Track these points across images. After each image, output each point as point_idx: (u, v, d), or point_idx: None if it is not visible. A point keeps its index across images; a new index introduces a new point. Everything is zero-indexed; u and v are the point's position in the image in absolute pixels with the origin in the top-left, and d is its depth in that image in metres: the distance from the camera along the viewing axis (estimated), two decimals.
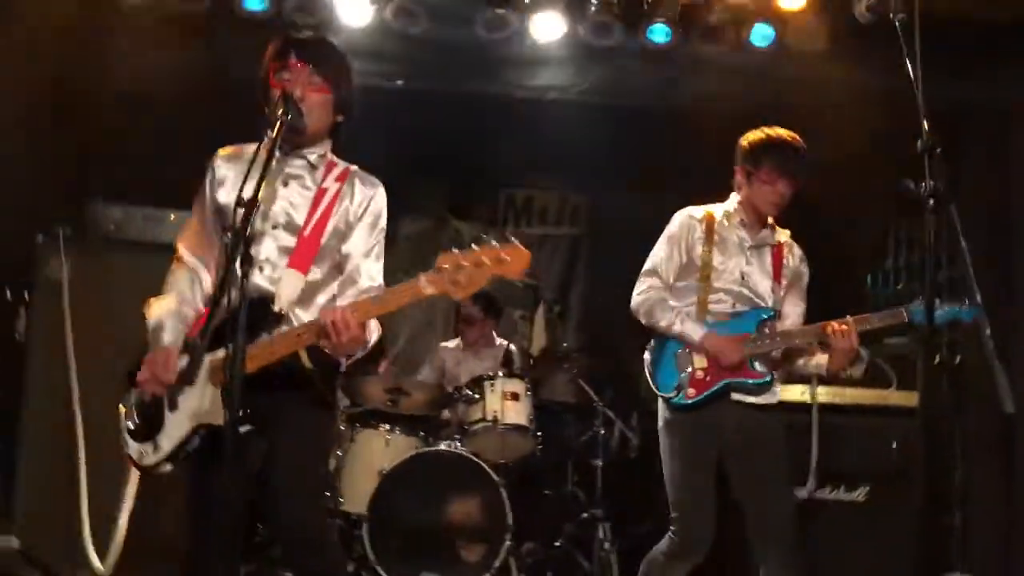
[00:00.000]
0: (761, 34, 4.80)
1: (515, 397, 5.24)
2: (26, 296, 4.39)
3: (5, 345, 4.34)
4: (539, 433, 5.33)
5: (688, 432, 3.75)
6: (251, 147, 2.68)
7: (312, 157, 2.86)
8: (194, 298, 2.82)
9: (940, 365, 4.49)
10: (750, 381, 3.71)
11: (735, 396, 3.74)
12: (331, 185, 2.82)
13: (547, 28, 4.90)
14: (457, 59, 5.16)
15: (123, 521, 4.10)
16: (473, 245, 2.45)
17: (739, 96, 5.01)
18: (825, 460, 4.75)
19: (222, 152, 2.91)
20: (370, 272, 2.85)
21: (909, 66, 2.12)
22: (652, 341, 3.86)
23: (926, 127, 2.12)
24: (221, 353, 2.47)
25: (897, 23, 2.21)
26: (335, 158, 2.94)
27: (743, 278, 3.78)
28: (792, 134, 3.76)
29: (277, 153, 2.58)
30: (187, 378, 2.58)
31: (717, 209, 3.88)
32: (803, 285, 3.91)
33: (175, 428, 2.62)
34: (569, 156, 6.95)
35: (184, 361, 2.62)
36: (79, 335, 4.36)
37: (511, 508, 4.80)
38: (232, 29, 4.72)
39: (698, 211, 3.87)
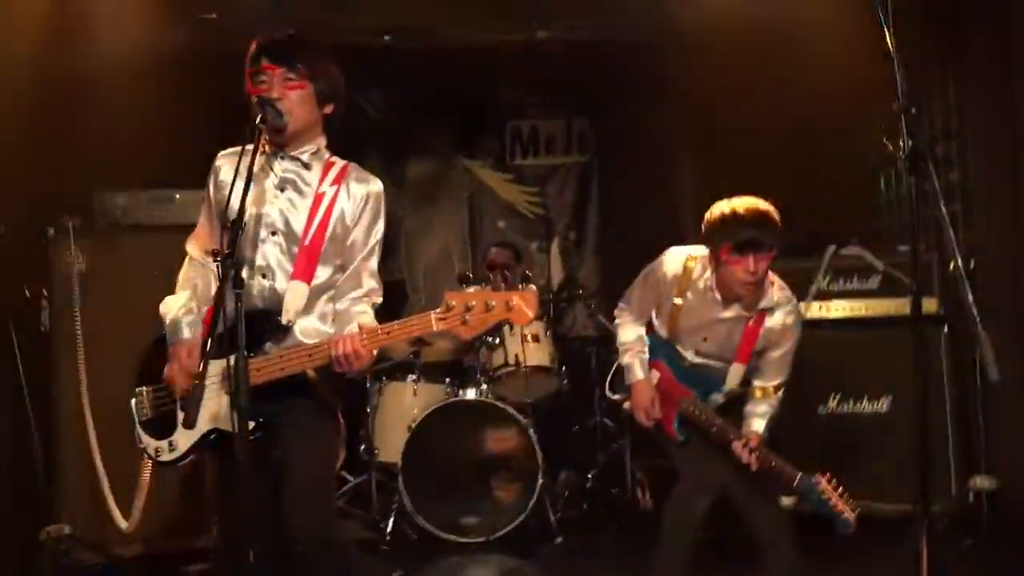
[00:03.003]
0: None
1: (535, 339, 5.30)
2: (44, 291, 4.45)
3: (33, 338, 4.42)
4: (564, 368, 5.41)
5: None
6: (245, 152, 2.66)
7: (305, 156, 2.84)
8: (208, 293, 2.84)
9: (955, 271, 4.51)
10: (667, 436, 3.66)
11: None
12: (328, 189, 2.81)
13: None
14: (444, 7, 5.07)
15: (144, 478, 4.25)
16: (481, 287, 2.46)
17: (728, 20, 4.90)
18: (847, 374, 4.81)
19: (223, 153, 2.90)
20: (371, 271, 2.87)
21: (881, 20, 2.06)
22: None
23: (901, 87, 2.08)
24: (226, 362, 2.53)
25: None
26: (332, 156, 2.90)
27: (705, 340, 3.61)
28: (754, 205, 3.36)
29: (263, 159, 2.58)
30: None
31: (698, 262, 3.57)
32: (790, 343, 3.55)
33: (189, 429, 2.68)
34: (569, 86, 6.91)
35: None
36: (97, 322, 4.45)
37: (541, 446, 4.89)
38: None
39: (680, 256, 3.60)
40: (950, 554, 4.15)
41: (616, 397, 3.88)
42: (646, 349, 3.74)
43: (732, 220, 3.36)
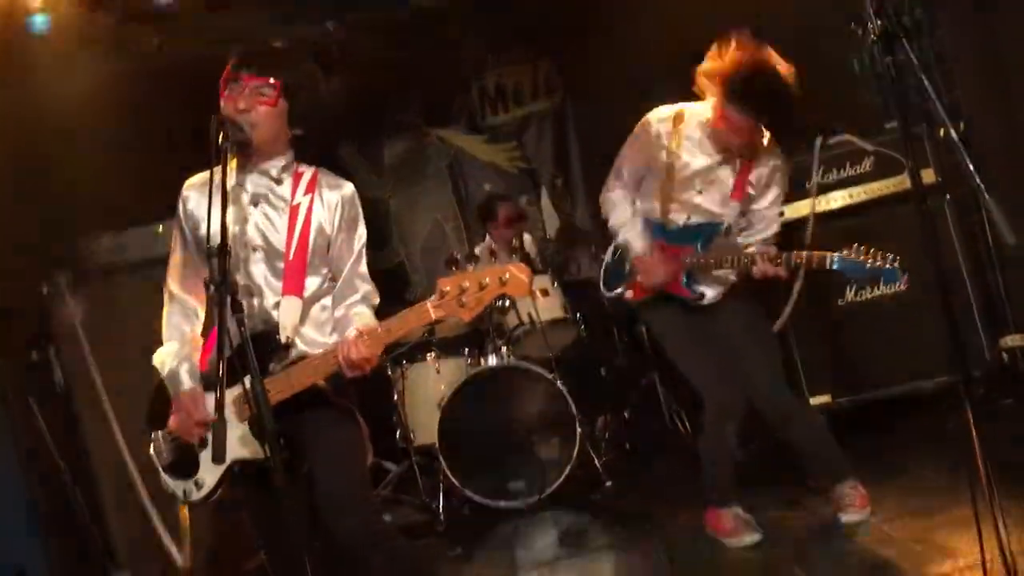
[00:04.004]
0: None
1: (545, 293, 5.28)
2: (51, 349, 4.43)
3: (50, 400, 4.42)
4: (579, 315, 5.39)
5: (666, 319, 3.82)
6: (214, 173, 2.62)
7: (274, 171, 2.80)
8: (195, 335, 2.83)
9: (946, 137, 4.44)
10: (681, 297, 3.72)
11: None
12: (302, 199, 2.77)
13: None
14: None
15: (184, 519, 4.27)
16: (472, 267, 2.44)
17: None
18: None
19: (189, 182, 2.87)
20: (363, 276, 2.84)
21: None
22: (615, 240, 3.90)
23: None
24: (238, 389, 2.51)
25: None
26: (301, 165, 2.86)
27: (700, 192, 3.67)
28: (778, 65, 3.37)
29: (233, 176, 2.54)
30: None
31: (691, 109, 3.66)
32: (778, 188, 3.70)
33: (211, 465, 2.65)
34: (527, 29, 6.77)
35: (210, 399, 2.65)
36: (107, 365, 4.45)
37: (573, 396, 4.88)
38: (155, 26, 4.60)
39: (668, 111, 3.69)
40: (993, 418, 4.13)
41: (615, 292, 3.89)
42: (639, 223, 3.77)
43: (762, 87, 3.35)
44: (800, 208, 4.72)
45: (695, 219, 3.70)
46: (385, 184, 7.11)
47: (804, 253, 3.42)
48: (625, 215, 3.81)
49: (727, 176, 3.66)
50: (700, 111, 3.65)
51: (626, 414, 5.55)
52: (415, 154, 7.30)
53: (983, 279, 4.69)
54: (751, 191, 3.67)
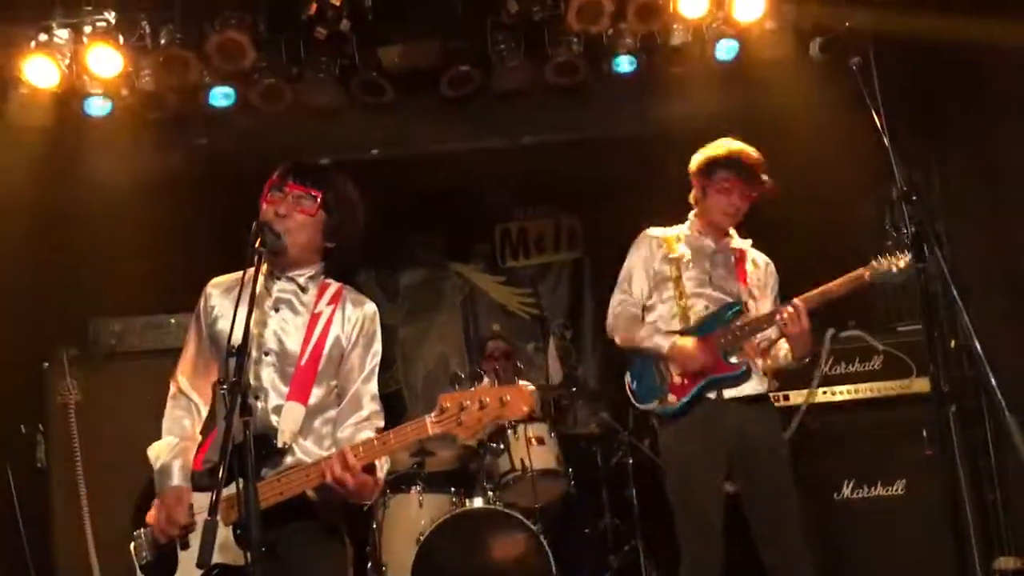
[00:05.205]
0: (725, 48, 4.80)
1: (540, 441, 5.22)
2: (40, 426, 4.40)
3: (30, 476, 4.35)
4: (570, 470, 5.32)
5: (685, 448, 3.81)
6: (240, 276, 2.66)
7: (301, 280, 2.84)
8: (194, 432, 2.81)
9: (957, 348, 4.50)
10: (726, 375, 3.79)
11: (726, 394, 3.80)
12: (324, 309, 2.80)
13: (512, 78, 4.91)
14: (429, 121, 5.17)
15: None
16: (475, 386, 2.46)
17: (712, 110, 5.00)
18: (859, 458, 4.74)
19: (214, 282, 2.90)
20: (371, 395, 2.84)
21: (875, 117, 2.09)
22: (631, 361, 3.97)
23: (899, 175, 2.09)
24: (227, 491, 2.46)
25: (854, 67, 2.18)
26: (328, 279, 2.90)
27: (710, 280, 3.89)
28: (747, 147, 3.88)
29: (262, 280, 2.57)
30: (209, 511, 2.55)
31: (675, 230, 4.02)
32: (773, 289, 3.99)
33: (191, 568, 2.56)
34: (555, 187, 6.97)
35: (195, 498, 2.61)
36: (94, 452, 4.40)
37: (553, 552, 4.77)
38: (204, 129, 4.75)
39: (658, 231, 4.03)
40: None
41: (653, 404, 3.87)
42: (654, 328, 3.88)
43: (732, 154, 3.85)
44: (804, 394, 4.74)
45: (713, 306, 3.85)
46: (397, 311, 7.16)
47: (832, 287, 3.67)
48: (641, 327, 3.92)
49: (728, 261, 3.93)
50: (683, 226, 4.03)
51: None
52: (431, 287, 7.38)
53: (980, 493, 4.66)
54: (753, 278, 3.93)
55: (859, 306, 5.34)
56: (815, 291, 3.70)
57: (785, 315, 3.66)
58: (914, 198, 2.10)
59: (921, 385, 4.72)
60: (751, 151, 3.87)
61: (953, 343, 4.34)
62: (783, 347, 3.87)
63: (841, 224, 5.10)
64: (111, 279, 4.83)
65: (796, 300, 3.69)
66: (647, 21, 4.74)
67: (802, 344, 3.73)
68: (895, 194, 2.11)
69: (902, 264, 3.48)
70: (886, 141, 2.08)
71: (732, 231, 4.02)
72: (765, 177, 3.87)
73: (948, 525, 4.25)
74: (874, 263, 3.57)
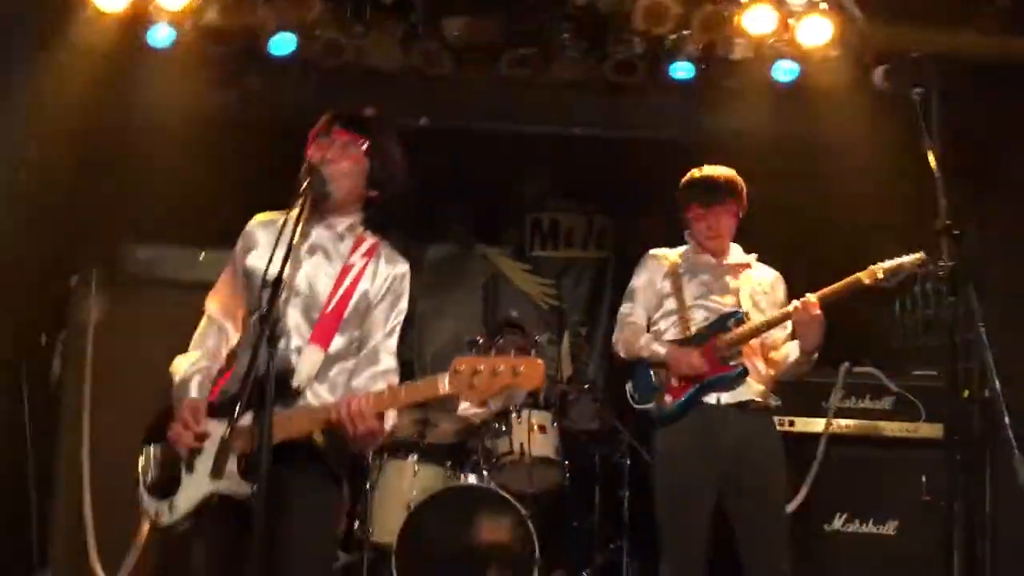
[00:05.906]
0: (784, 69, 4.82)
1: (542, 429, 5.27)
2: (59, 340, 4.46)
3: (44, 383, 4.42)
4: (567, 462, 5.36)
5: (678, 451, 3.86)
6: (284, 216, 2.68)
7: (340, 227, 2.87)
8: (220, 355, 2.84)
9: (969, 398, 4.50)
10: (722, 375, 3.84)
11: (725, 400, 3.83)
12: (357, 261, 2.82)
13: (570, 68, 4.94)
14: (482, 98, 5.20)
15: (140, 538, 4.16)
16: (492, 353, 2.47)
17: (762, 129, 5.02)
18: (853, 493, 4.76)
19: (258, 217, 2.92)
20: (390, 351, 2.86)
21: (927, 143, 2.11)
22: (633, 366, 4.04)
23: (944, 206, 2.11)
24: (240, 422, 2.48)
25: (915, 97, 2.19)
26: (366, 232, 2.92)
27: (710, 292, 3.97)
28: (711, 169, 4.03)
29: (301, 226, 2.60)
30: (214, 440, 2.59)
31: (678, 249, 4.14)
32: (782, 302, 4.00)
33: (193, 490, 2.62)
34: (594, 183, 6.98)
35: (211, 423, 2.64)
36: (107, 376, 4.45)
37: (539, 539, 4.81)
38: (260, 73, 4.79)
39: (660, 252, 4.14)
40: None
41: (651, 405, 3.94)
42: (653, 336, 3.97)
43: (693, 180, 4.05)
44: (812, 424, 4.76)
45: (713, 316, 3.93)
46: (418, 282, 7.16)
47: (844, 284, 3.70)
48: (644, 336, 4.00)
49: (729, 274, 4.02)
50: (683, 247, 4.14)
51: (586, 573, 5.44)
52: (455, 263, 7.39)
53: (971, 546, 4.66)
54: (757, 291, 3.99)
55: (878, 345, 5.38)
56: (826, 288, 3.74)
57: (799, 304, 3.72)
58: (955, 233, 2.12)
59: (928, 431, 4.74)
60: (713, 172, 4.01)
61: (967, 392, 4.34)
62: (790, 348, 3.88)
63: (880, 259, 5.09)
64: (150, 207, 4.88)
65: (808, 295, 3.74)
66: (710, 31, 4.77)
67: (812, 334, 3.72)
68: (937, 226, 2.13)
69: (912, 257, 3.51)
70: (936, 173, 2.10)
71: (734, 246, 4.12)
72: (740, 187, 3.99)
73: (934, 571, 4.33)
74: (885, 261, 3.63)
